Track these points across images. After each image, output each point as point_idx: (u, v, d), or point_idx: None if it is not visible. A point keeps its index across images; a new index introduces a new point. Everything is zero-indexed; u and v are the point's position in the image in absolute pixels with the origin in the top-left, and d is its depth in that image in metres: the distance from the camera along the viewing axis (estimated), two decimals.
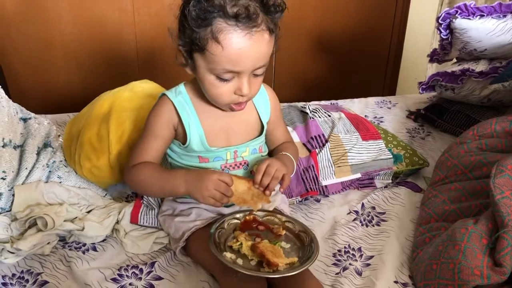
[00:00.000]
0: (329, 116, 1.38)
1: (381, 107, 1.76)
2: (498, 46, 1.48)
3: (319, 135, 1.31)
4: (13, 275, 0.96)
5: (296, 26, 2.29)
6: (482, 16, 1.46)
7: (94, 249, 1.04)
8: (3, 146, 1.08)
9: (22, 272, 0.97)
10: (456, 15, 1.47)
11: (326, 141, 1.29)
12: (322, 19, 2.35)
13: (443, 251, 0.89)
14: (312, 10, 2.31)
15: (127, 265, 0.99)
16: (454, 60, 1.74)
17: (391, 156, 1.30)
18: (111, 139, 1.13)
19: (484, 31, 1.46)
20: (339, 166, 1.24)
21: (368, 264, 1.01)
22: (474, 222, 0.89)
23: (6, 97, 1.17)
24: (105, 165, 1.14)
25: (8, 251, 0.97)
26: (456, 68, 1.57)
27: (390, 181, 1.30)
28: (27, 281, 0.94)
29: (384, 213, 1.18)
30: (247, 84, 0.91)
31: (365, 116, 1.66)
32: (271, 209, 1.04)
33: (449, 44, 1.60)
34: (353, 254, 1.04)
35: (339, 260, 1.02)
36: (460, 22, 1.47)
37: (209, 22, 0.84)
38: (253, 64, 0.89)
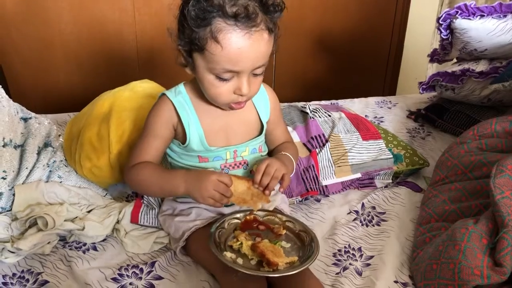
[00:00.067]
0: (329, 116, 1.38)
1: (381, 107, 1.76)
2: (498, 46, 1.48)
3: (319, 135, 1.31)
4: (14, 274, 0.96)
5: (296, 26, 2.29)
6: (482, 16, 1.46)
7: (95, 248, 1.04)
8: (3, 146, 1.08)
9: (22, 271, 0.97)
10: (457, 15, 1.47)
11: (326, 141, 1.29)
12: (322, 19, 2.35)
13: (443, 251, 0.89)
14: (312, 10, 2.31)
15: (128, 265, 0.99)
16: (455, 60, 1.74)
17: (391, 156, 1.30)
18: (111, 139, 1.13)
19: (484, 31, 1.46)
20: (339, 166, 1.24)
21: (368, 264, 1.02)
22: (474, 222, 0.89)
23: (7, 96, 1.17)
24: (106, 164, 1.14)
25: (8, 250, 0.97)
26: (456, 68, 1.57)
27: (390, 181, 1.30)
28: (27, 280, 0.94)
29: (384, 213, 1.18)
30: (247, 84, 0.91)
31: (365, 116, 1.66)
32: (271, 208, 1.04)
33: (449, 44, 1.60)
34: (353, 254, 1.04)
35: (339, 260, 1.02)
36: (460, 22, 1.47)
37: (209, 22, 0.85)
38: (253, 63, 0.89)
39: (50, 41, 2.04)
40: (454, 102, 1.62)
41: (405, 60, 2.54)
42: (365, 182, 1.28)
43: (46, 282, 0.94)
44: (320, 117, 1.37)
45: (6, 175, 1.05)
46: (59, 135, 1.24)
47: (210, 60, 0.88)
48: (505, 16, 1.46)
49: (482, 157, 1.10)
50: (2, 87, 1.18)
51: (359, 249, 1.06)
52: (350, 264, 1.01)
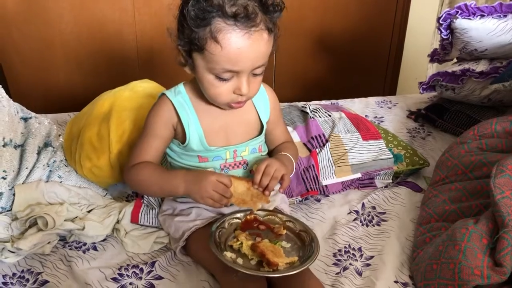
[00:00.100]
0: (330, 116, 1.38)
1: (381, 107, 1.76)
2: (498, 46, 1.48)
3: (319, 135, 1.31)
4: (14, 274, 0.96)
5: (296, 26, 2.29)
6: (482, 16, 1.46)
7: (95, 248, 1.04)
8: (3, 146, 1.08)
9: (22, 271, 0.97)
10: (457, 15, 1.47)
11: (327, 141, 1.29)
12: (322, 19, 2.35)
13: (443, 251, 0.89)
14: (312, 10, 2.31)
15: (128, 265, 0.99)
16: (455, 60, 1.74)
17: (392, 156, 1.30)
18: (111, 139, 1.13)
19: (484, 31, 1.46)
20: (339, 166, 1.24)
21: (368, 264, 1.02)
22: (475, 222, 0.89)
23: (7, 96, 1.17)
24: (106, 164, 1.14)
25: (8, 250, 0.97)
26: (457, 68, 1.57)
27: (391, 181, 1.30)
28: (27, 280, 0.94)
29: (384, 213, 1.18)
30: (246, 84, 0.91)
31: (366, 116, 1.66)
32: (271, 208, 1.04)
33: (449, 44, 1.60)
34: (353, 254, 1.04)
35: (339, 260, 1.02)
36: (460, 22, 1.47)
37: (208, 22, 0.85)
38: (252, 63, 0.89)
39: (51, 40, 2.04)
40: (454, 102, 1.62)
41: (405, 60, 2.54)
42: (365, 182, 1.28)
43: (46, 282, 0.94)
44: (320, 117, 1.37)
45: (6, 175, 1.05)
46: (59, 135, 1.24)
47: (209, 60, 0.88)
48: (505, 16, 1.46)
49: (482, 157, 1.10)
50: (2, 86, 1.18)
51: (359, 249, 1.06)
52: (350, 264, 1.01)
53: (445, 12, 1.50)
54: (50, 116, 1.48)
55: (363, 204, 1.20)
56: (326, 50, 2.43)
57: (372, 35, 2.45)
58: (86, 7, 2.01)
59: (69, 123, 1.28)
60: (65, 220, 1.03)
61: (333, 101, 1.77)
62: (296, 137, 1.30)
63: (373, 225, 1.14)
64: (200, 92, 0.98)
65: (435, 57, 1.72)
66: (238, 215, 0.98)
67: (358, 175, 1.25)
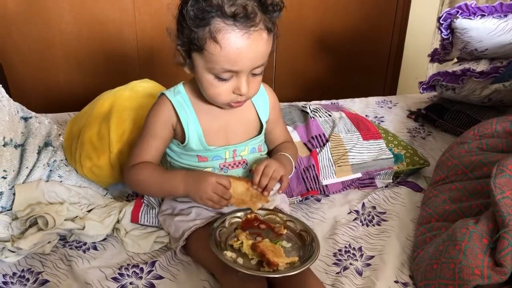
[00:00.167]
0: (330, 115, 1.38)
1: (381, 107, 1.76)
2: (499, 46, 1.48)
3: (319, 135, 1.31)
4: (14, 274, 0.96)
5: (296, 25, 2.29)
6: (483, 16, 1.45)
7: (95, 248, 1.04)
8: (4, 145, 1.08)
9: (22, 271, 0.97)
10: (457, 15, 1.47)
11: (327, 141, 1.29)
12: (323, 19, 2.35)
13: (443, 250, 0.89)
14: (312, 9, 2.31)
15: (128, 264, 0.99)
16: (455, 60, 1.74)
17: (392, 155, 1.30)
18: (111, 138, 1.13)
19: (485, 31, 1.46)
20: (339, 166, 1.24)
21: (369, 264, 1.01)
22: (475, 222, 0.89)
23: (7, 96, 1.17)
24: (106, 164, 1.14)
25: (8, 250, 0.97)
26: (457, 68, 1.57)
27: (391, 180, 1.30)
28: (27, 280, 0.94)
29: (384, 212, 1.18)
30: (246, 84, 0.91)
31: (366, 115, 1.66)
32: (271, 208, 1.04)
33: (450, 44, 1.60)
34: (353, 254, 1.04)
35: (339, 260, 1.02)
36: (461, 22, 1.47)
37: (207, 22, 0.85)
38: (252, 63, 0.89)
39: (51, 40, 2.04)
40: (454, 102, 1.62)
41: (406, 60, 2.54)
42: (366, 182, 1.28)
43: (46, 281, 0.94)
44: (320, 116, 1.37)
45: (6, 175, 1.05)
46: (60, 135, 1.24)
47: (209, 60, 0.88)
48: (505, 16, 1.46)
49: (482, 157, 1.10)
50: (2, 86, 1.18)
51: (360, 248, 1.06)
52: (350, 264, 1.01)
53: (446, 11, 1.50)
54: (50, 115, 1.48)
55: (363, 204, 1.20)
56: (326, 50, 2.43)
57: (372, 35, 2.45)
58: (86, 7, 2.01)
59: (69, 123, 1.28)
60: (65, 220, 1.03)
61: (334, 101, 1.77)
62: (296, 137, 1.30)
63: (374, 225, 1.14)
64: (199, 92, 0.98)
65: (435, 57, 1.72)
66: (239, 214, 0.98)
67: (359, 175, 1.25)
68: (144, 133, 1.01)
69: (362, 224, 1.14)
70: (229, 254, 0.88)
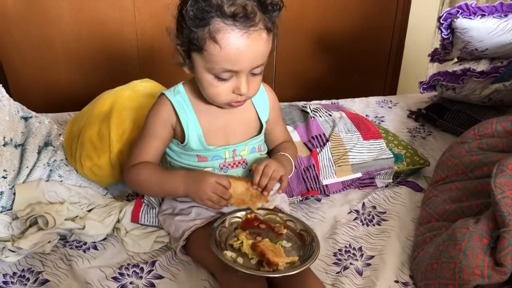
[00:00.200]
0: (330, 115, 1.38)
1: (382, 107, 1.76)
2: (499, 46, 1.48)
3: (320, 135, 1.31)
4: (14, 273, 0.96)
5: (296, 25, 2.29)
6: (483, 15, 1.45)
7: (95, 248, 1.04)
8: (4, 145, 1.08)
9: (23, 270, 0.97)
10: (458, 14, 1.47)
11: (327, 141, 1.29)
12: (323, 18, 2.35)
13: (443, 250, 0.89)
14: (312, 9, 2.31)
15: (128, 264, 0.99)
16: (455, 59, 1.74)
17: (392, 155, 1.30)
18: (112, 138, 1.13)
19: (485, 30, 1.46)
20: (340, 166, 1.24)
21: (369, 264, 1.01)
22: (475, 222, 0.89)
23: (7, 95, 1.17)
24: (106, 163, 1.14)
25: (9, 249, 0.97)
26: (457, 67, 1.57)
27: (391, 180, 1.30)
28: (28, 279, 0.94)
29: (384, 212, 1.18)
30: (246, 83, 0.91)
31: (366, 115, 1.66)
32: (271, 207, 1.04)
33: (450, 44, 1.60)
34: (353, 254, 1.04)
35: (339, 260, 1.02)
36: (461, 22, 1.46)
37: (207, 22, 0.84)
38: (251, 63, 0.89)
39: (51, 40, 2.04)
40: (454, 101, 1.62)
41: (406, 60, 2.54)
42: (366, 182, 1.28)
43: (47, 281, 0.94)
44: (320, 116, 1.37)
45: (6, 174, 1.05)
46: (60, 134, 1.24)
47: (208, 60, 0.88)
48: (506, 15, 1.46)
49: (483, 157, 1.09)
50: (2, 85, 1.18)
51: (360, 248, 1.06)
52: (350, 263, 1.01)
53: (446, 11, 1.50)
54: (50, 115, 1.48)
55: (363, 203, 1.20)
56: (326, 50, 2.43)
57: (372, 35, 2.45)
58: (87, 6, 2.01)
59: (69, 122, 1.28)
60: (65, 219, 1.03)
61: (334, 100, 1.77)
62: (296, 137, 1.30)
63: (374, 225, 1.14)
64: (199, 92, 0.98)
65: (435, 56, 1.72)
66: (239, 214, 0.98)
67: (359, 174, 1.25)
68: (144, 133, 1.01)
69: (362, 224, 1.14)
70: (229, 253, 0.88)
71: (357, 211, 1.18)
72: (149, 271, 0.97)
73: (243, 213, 0.98)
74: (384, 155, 1.29)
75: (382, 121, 1.65)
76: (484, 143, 1.15)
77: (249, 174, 1.04)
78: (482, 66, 1.52)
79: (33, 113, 1.22)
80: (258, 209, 0.99)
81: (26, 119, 1.19)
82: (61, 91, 2.15)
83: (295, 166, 1.19)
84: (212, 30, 0.84)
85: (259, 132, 1.06)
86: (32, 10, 1.96)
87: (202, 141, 0.99)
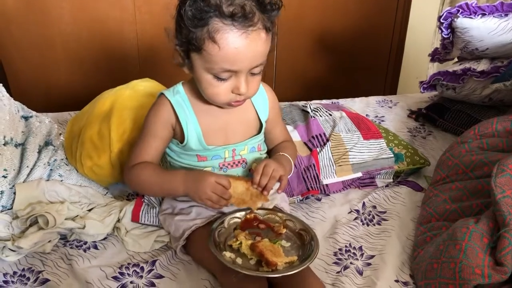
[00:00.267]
0: (330, 115, 1.38)
1: (382, 106, 1.76)
2: (499, 46, 1.48)
3: (320, 134, 1.31)
4: (14, 273, 0.96)
5: (296, 24, 2.29)
6: (483, 15, 1.45)
7: (95, 247, 1.04)
8: (4, 144, 1.08)
9: (23, 270, 0.97)
10: (458, 14, 1.47)
11: (327, 140, 1.29)
12: (323, 18, 2.35)
13: (444, 250, 0.89)
14: (312, 8, 2.31)
15: (128, 264, 0.99)
16: (456, 59, 1.74)
17: (392, 155, 1.30)
18: (112, 138, 1.13)
19: (485, 30, 1.46)
20: (340, 165, 1.24)
21: (369, 263, 1.02)
22: (475, 221, 0.89)
23: (8, 95, 1.18)
24: (106, 163, 1.14)
25: (9, 249, 0.97)
26: (458, 67, 1.57)
27: (391, 180, 1.30)
28: (28, 279, 0.94)
29: (385, 212, 1.18)
30: (245, 83, 0.91)
31: (366, 115, 1.65)
32: (271, 207, 1.04)
33: (450, 44, 1.60)
34: (354, 253, 1.04)
35: (340, 259, 1.02)
36: (461, 21, 1.46)
37: (206, 22, 0.84)
38: (250, 63, 0.89)
39: (51, 39, 2.04)
40: (455, 101, 1.62)
41: (406, 59, 2.54)
42: (366, 181, 1.28)
43: (47, 280, 0.94)
44: (321, 116, 1.37)
45: (7, 174, 1.05)
46: (60, 134, 1.24)
47: (207, 60, 0.88)
48: (506, 15, 1.45)
49: (483, 157, 1.09)
50: (2, 85, 1.18)
51: (360, 248, 1.06)
52: (351, 263, 1.01)
53: (446, 11, 1.50)
54: (50, 115, 1.48)
55: (363, 203, 1.20)
56: (326, 49, 2.43)
57: (372, 34, 2.45)
58: (86, 5, 2.01)
59: (70, 122, 1.28)
60: (65, 219, 1.03)
61: (334, 100, 1.77)
62: (296, 136, 1.30)
63: (374, 224, 1.14)
64: (198, 92, 0.98)
65: (436, 56, 1.72)
66: (238, 214, 0.98)
67: (359, 174, 1.25)
68: (143, 133, 1.01)
69: (363, 224, 1.14)
70: (228, 254, 0.88)
71: (357, 211, 1.18)
72: (149, 271, 0.97)
73: (243, 213, 0.98)
74: (384, 154, 1.29)
75: (382, 120, 1.65)
76: (484, 143, 1.15)
77: (248, 174, 1.04)
78: (482, 65, 1.52)
79: (34, 113, 1.22)
80: (258, 209, 0.99)
81: (26, 118, 1.19)
82: (61, 91, 2.15)
83: (295, 166, 1.19)
84: (211, 30, 0.84)
85: (259, 132, 1.06)
86: (32, 9, 1.96)
87: (201, 141, 0.99)
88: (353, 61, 2.49)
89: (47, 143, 1.17)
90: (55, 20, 2.01)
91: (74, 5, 2.00)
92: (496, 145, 1.13)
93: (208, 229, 0.94)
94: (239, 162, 1.04)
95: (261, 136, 1.07)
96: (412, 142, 1.51)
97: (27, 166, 1.09)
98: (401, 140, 1.38)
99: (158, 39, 2.13)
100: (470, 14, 1.45)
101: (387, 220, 1.15)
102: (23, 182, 1.08)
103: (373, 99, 1.81)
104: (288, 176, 1.07)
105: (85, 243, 1.04)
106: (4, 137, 1.09)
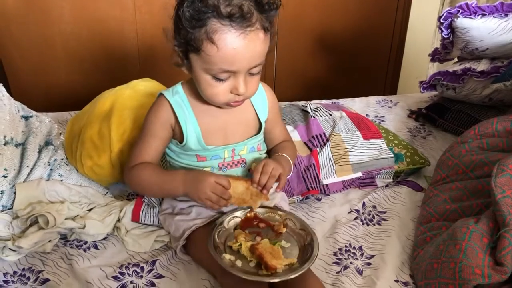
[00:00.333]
0: (330, 115, 1.38)
1: (382, 106, 1.76)
2: (499, 46, 1.48)
3: (320, 134, 1.31)
4: (15, 272, 0.96)
5: (296, 24, 2.29)
6: (483, 15, 1.45)
7: (95, 247, 1.04)
8: (4, 144, 1.08)
9: (23, 269, 0.97)
10: (458, 14, 1.47)
11: (327, 140, 1.29)
12: (323, 17, 2.35)
13: (444, 250, 0.89)
14: (313, 8, 2.31)
15: (128, 263, 0.99)
16: (456, 59, 1.74)
17: (392, 155, 1.30)
18: (112, 137, 1.13)
19: (485, 30, 1.46)
20: (340, 165, 1.24)
21: (369, 263, 1.02)
22: (475, 221, 0.89)
23: (8, 95, 1.18)
24: (106, 163, 1.14)
25: (9, 248, 0.97)
26: (458, 67, 1.57)
27: (391, 180, 1.30)
28: (28, 278, 0.95)
29: (385, 212, 1.18)
30: (243, 83, 0.91)
31: (366, 115, 1.66)
32: (271, 206, 1.04)
33: (450, 44, 1.60)
34: (354, 253, 1.04)
35: (340, 259, 1.03)
36: (461, 21, 1.46)
37: (204, 23, 0.84)
38: (249, 63, 0.89)
39: (52, 39, 2.04)
40: (455, 101, 1.62)
41: (406, 59, 2.54)
42: (366, 181, 1.28)
43: (47, 280, 0.94)
44: (321, 116, 1.37)
45: (7, 173, 1.05)
46: (60, 134, 1.24)
47: (206, 61, 0.88)
48: (506, 15, 1.46)
49: (483, 157, 1.09)
50: (2, 84, 1.18)
51: (360, 248, 1.06)
52: (350, 263, 1.01)
53: (446, 11, 1.50)
54: (51, 114, 1.48)
55: (363, 203, 1.20)
56: (326, 49, 2.43)
57: (373, 34, 2.45)
58: (87, 5, 2.01)
59: (70, 122, 1.28)
60: (66, 219, 1.03)
61: (334, 100, 1.77)
62: (296, 136, 1.30)
63: (374, 224, 1.14)
64: (198, 92, 0.98)
65: (436, 56, 1.72)
66: (238, 213, 0.98)
67: (359, 174, 1.25)
68: (143, 134, 1.01)
69: (363, 224, 1.14)
70: (227, 257, 0.88)
71: (357, 211, 1.18)
72: (150, 271, 0.97)
73: (242, 212, 0.98)
74: (384, 154, 1.29)
75: (382, 120, 1.65)
76: (484, 143, 1.15)
77: (248, 174, 1.04)
78: (482, 65, 1.52)
79: (34, 112, 1.22)
80: (258, 207, 0.99)
81: (26, 118, 1.19)
82: (61, 90, 2.15)
83: (295, 166, 1.20)
84: (209, 31, 0.84)
85: (258, 132, 1.06)
86: (33, 9, 1.96)
87: (200, 141, 0.99)
88: (353, 61, 2.49)
89: (47, 143, 1.17)
90: (55, 19, 2.01)
91: (74, 5, 2.00)
92: (496, 145, 1.13)
93: (208, 229, 0.94)
94: (238, 162, 1.04)
95: (260, 136, 1.07)
96: (412, 142, 1.51)
97: (27, 166, 1.09)
98: (401, 140, 1.38)
99: (158, 39, 2.11)
100: (470, 14, 1.45)
101: (387, 220, 1.15)
102: (23, 181, 1.08)
103: (373, 99, 1.81)
104: (288, 177, 1.07)
105: (85, 243, 1.04)
106: (5, 137, 1.09)
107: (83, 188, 1.13)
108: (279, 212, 1.00)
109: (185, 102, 0.99)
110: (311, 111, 1.38)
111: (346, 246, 1.06)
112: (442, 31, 1.55)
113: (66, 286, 0.93)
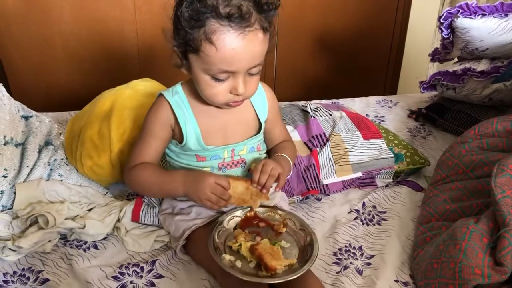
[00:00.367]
0: (330, 115, 1.38)
1: (382, 106, 1.76)
2: (499, 46, 1.48)
3: (320, 134, 1.31)
4: (14, 272, 0.96)
5: (297, 24, 2.29)
6: (483, 15, 1.45)
7: (95, 247, 1.04)
8: (4, 144, 1.08)
9: (23, 269, 0.97)
10: (458, 14, 1.47)
11: (327, 140, 1.29)
12: (323, 18, 2.35)
13: (444, 250, 0.89)
14: (313, 8, 2.31)
15: (128, 263, 0.99)
16: (456, 59, 1.74)
17: (392, 155, 1.30)
18: (112, 137, 1.13)
19: (485, 30, 1.46)
20: (340, 165, 1.24)
21: (369, 263, 1.02)
22: (475, 221, 0.89)
23: (8, 95, 1.18)
24: (106, 163, 1.14)
25: (9, 248, 0.97)
26: (458, 67, 1.57)
27: (391, 180, 1.30)
28: (28, 278, 0.95)
29: (385, 212, 1.18)
30: (243, 84, 0.91)
31: (366, 115, 1.66)
32: (271, 205, 1.04)
33: (450, 44, 1.60)
34: (354, 253, 1.04)
35: (340, 259, 1.02)
36: (461, 21, 1.46)
37: (202, 23, 0.84)
38: (248, 63, 0.88)
39: (51, 39, 2.04)
40: (455, 101, 1.62)
41: (406, 59, 2.54)
42: (366, 181, 1.28)
43: (47, 280, 0.94)
44: (321, 116, 1.37)
45: (7, 173, 1.05)
46: (60, 134, 1.24)
47: (205, 61, 0.88)
48: (506, 15, 1.45)
49: (483, 157, 1.09)
50: (2, 84, 1.18)
51: (360, 248, 1.06)
52: (350, 263, 1.01)
53: (446, 11, 1.50)
54: (51, 114, 1.48)
55: (363, 203, 1.20)
56: (326, 49, 2.43)
57: (373, 34, 2.45)
58: (87, 5, 2.01)
59: (70, 122, 1.28)
60: (65, 219, 1.03)
61: (334, 100, 1.77)
62: (296, 136, 1.30)
63: (374, 224, 1.14)
64: (197, 92, 0.98)
65: (436, 56, 1.72)
66: (238, 213, 0.98)
67: (359, 174, 1.25)
68: (143, 134, 1.01)
69: (363, 224, 1.14)
70: (227, 257, 0.88)
71: (357, 211, 1.18)
72: (149, 271, 0.97)
73: (242, 211, 0.98)
74: (384, 154, 1.29)
75: (382, 120, 1.65)
76: (484, 143, 1.15)
77: (247, 174, 1.04)
78: (482, 65, 1.52)
79: (34, 112, 1.22)
80: (258, 206, 0.99)
81: (26, 118, 1.19)
82: (61, 90, 2.15)
83: (295, 166, 1.20)
84: (208, 31, 0.84)
85: (258, 132, 1.06)
86: (33, 9, 1.96)
87: (200, 141, 0.99)
88: (353, 61, 2.49)
89: (47, 143, 1.17)
90: (55, 19, 2.01)
91: (74, 5, 2.00)
92: (496, 145, 1.13)
93: (208, 229, 0.94)
94: (238, 162, 1.04)
95: (260, 136, 1.07)
96: (412, 142, 1.51)
97: (27, 166, 1.09)
98: (401, 140, 1.38)
99: (158, 39, 2.10)
100: (470, 14, 1.45)
101: (387, 220, 1.15)
102: (23, 181, 1.08)
103: (373, 99, 1.81)
104: (287, 177, 1.07)
105: (85, 243, 1.04)
106: (4, 136, 1.09)
107: (83, 188, 1.13)
108: (279, 212, 1.00)
109: (184, 102, 0.99)
110: (311, 111, 1.38)
111: (346, 246, 1.06)
112: (442, 31, 1.55)
113: (66, 286, 0.93)
